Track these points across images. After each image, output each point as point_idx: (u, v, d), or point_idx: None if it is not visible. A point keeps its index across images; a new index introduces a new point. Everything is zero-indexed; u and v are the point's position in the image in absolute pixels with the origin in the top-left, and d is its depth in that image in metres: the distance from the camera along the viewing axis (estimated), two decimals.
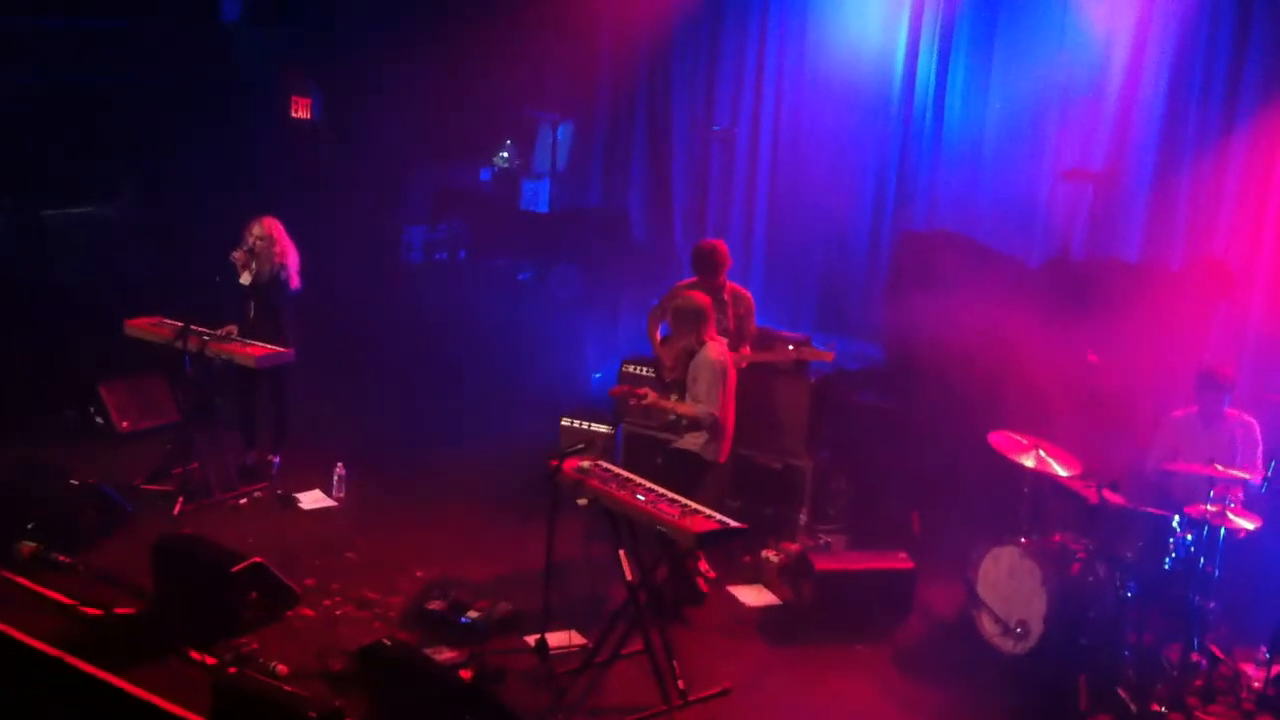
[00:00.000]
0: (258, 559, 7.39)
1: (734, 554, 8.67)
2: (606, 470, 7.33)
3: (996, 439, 8.03)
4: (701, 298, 8.02)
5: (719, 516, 6.78)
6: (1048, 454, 7.83)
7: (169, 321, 9.29)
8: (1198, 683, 7.33)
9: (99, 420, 10.30)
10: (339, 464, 9.38)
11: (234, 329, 9.26)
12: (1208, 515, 7.25)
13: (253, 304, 9.30)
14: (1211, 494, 7.30)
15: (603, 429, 9.40)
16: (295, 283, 9.32)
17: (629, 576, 7.17)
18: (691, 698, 6.93)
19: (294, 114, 13.60)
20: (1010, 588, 7.65)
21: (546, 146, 13.95)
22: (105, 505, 8.46)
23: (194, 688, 6.49)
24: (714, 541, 6.83)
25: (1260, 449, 7.97)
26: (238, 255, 9.23)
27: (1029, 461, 7.81)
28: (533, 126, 14.22)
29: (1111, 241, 10.33)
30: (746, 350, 8.87)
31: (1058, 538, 7.79)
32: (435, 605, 7.63)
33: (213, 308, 9.28)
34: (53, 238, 12.30)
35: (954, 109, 11.06)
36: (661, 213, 13.07)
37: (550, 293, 13.19)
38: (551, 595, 7.08)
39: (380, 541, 8.67)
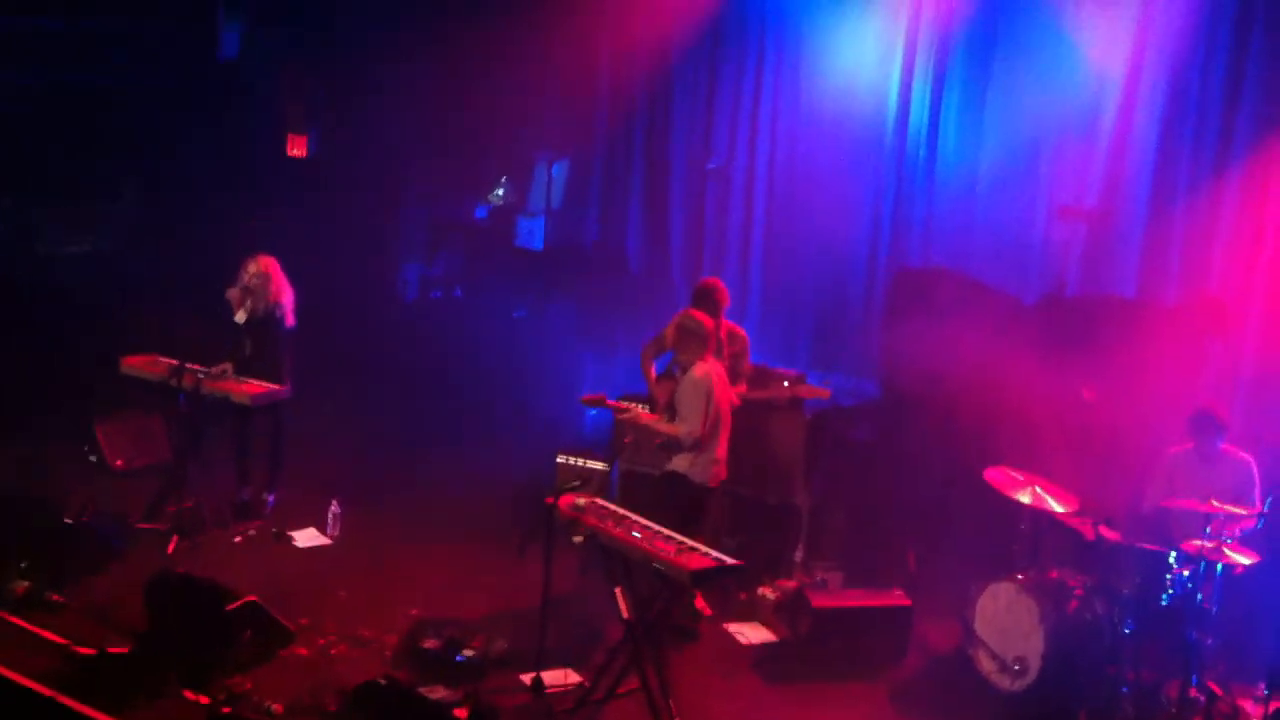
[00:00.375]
0: (252, 597, 7.37)
1: (730, 591, 8.65)
2: (603, 507, 7.32)
3: (993, 475, 8.03)
4: (708, 322, 8.01)
5: (715, 554, 6.76)
6: (1044, 490, 7.83)
7: (164, 359, 9.28)
8: (1196, 719, 7.29)
9: (93, 458, 10.27)
10: (334, 501, 9.35)
11: (229, 367, 9.25)
12: (1204, 551, 7.24)
13: (248, 341, 9.30)
14: (1208, 530, 7.30)
15: (598, 466, 9.39)
16: (290, 321, 9.33)
17: (625, 614, 7.15)
18: None
19: (290, 152, 13.65)
20: (1008, 624, 7.62)
21: (542, 183, 13.98)
22: (99, 543, 8.43)
23: None
24: (710, 579, 6.81)
25: (1257, 485, 7.97)
26: (233, 293, 9.24)
27: (1025, 498, 7.81)
28: (528, 163, 14.27)
29: (1106, 278, 10.34)
30: (742, 388, 8.87)
31: (1055, 574, 7.78)
32: (430, 643, 7.59)
33: (208, 341, 9.27)
34: (51, 243, 12.35)
35: (948, 145, 11.10)
36: (658, 249, 13.09)
37: (546, 330, 13.20)
38: (547, 633, 7.05)
39: (375, 579, 8.63)
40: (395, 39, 13.21)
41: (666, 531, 7.00)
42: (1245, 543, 7.54)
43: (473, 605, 8.28)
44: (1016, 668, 7.53)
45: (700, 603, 8.42)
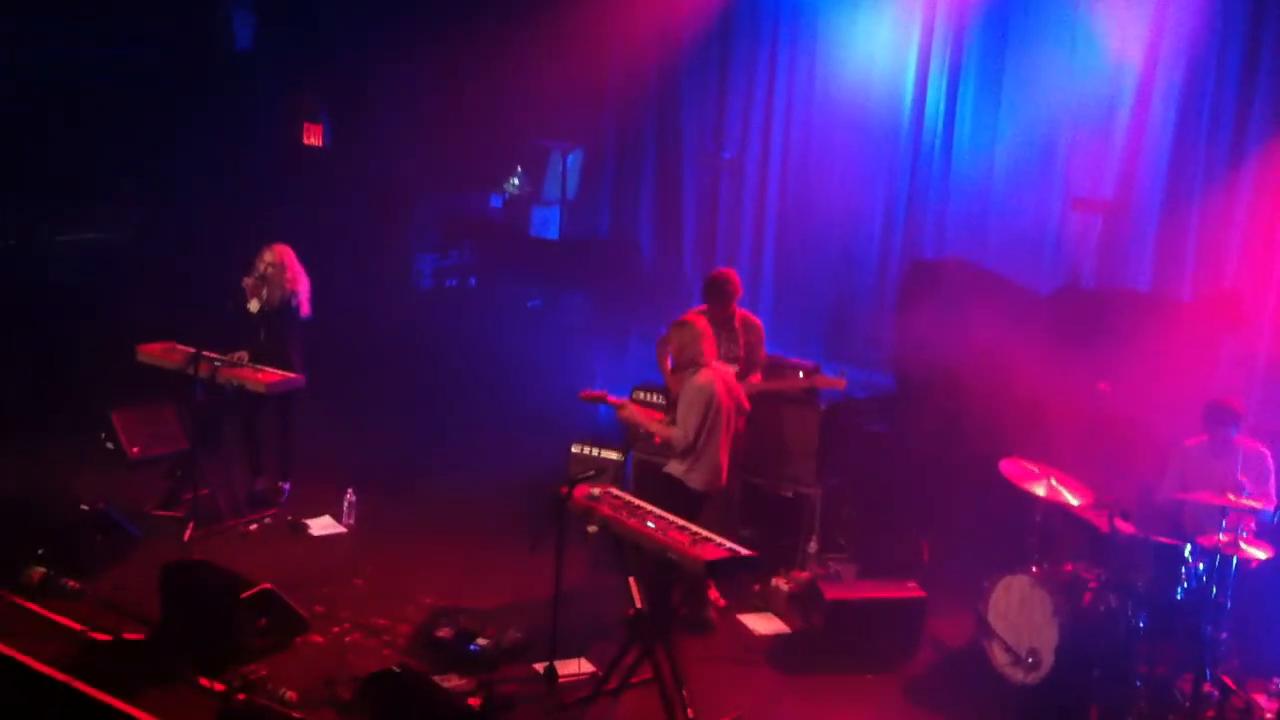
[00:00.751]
0: (267, 585, 7.39)
1: (744, 582, 8.64)
2: (616, 497, 7.32)
3: (1007, 467, 8.02)
4: (702, 322, 7.96)
5: (729, 544, 6.76)
6: (1059, 483, 7.81)
7: (180, 347, 9.31)
8: (1210, 714, 7.27)
9: (109, 446, 10.30)
10: (349, 490, 9.37)
11: (245, 355, 9.27)
12: (1220, 545, 7.22)
13: (263, 330, 9.32)
14: (1224, 523, 7.27)
15: (613, 456, 9.40)
16: (306, 310, 9.34)
17: (638, 604, 7.15)
18: None
19: (305, 141, 13.68)
20: (1021, 617, 7.61)
21: (557, 174, 14.00)
22: (114, 531, 8.46)
23: (202, 714, 6.51)
24: (724, 569, 6.80)
25: (1273, 478, 7.95)
26: (248, 282, 9.25)
27: (1040, 490, 7.79)
28: (543, 154, 14.28)
29: (1121, 271, 10.34)
30: (757, 378, 8.86)
31: (1069, 567, 7.76)
32: (444, 633, 7.60)
33: (222, 330, 9.30)
34: (66, 231, 12.38)
35: (963, 137, 11.09)
36: (671, 240, 13.10)
37: (560, 319, 13.21)
38: (560, 623, 7.06)
39: (389, 568, 8.65)
40: (403, 31, 13.23)
41: (681, 522, 7.00)
42: (1261, 536, 7.52)
43: (487, 595, 8.30)
44: (1030, 660, 7.52)
45: (714, 593, 8.43)
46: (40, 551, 7.99)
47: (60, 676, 6.74)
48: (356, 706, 6.70)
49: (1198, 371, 9.48)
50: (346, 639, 7.62)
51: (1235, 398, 8.32)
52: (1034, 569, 7.70)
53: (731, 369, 8.73)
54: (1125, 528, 7.63)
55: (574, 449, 9.60)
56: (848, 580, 8.77)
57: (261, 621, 7.29)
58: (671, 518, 7.06)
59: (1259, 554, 7.33)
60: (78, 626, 7.39)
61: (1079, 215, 10.53)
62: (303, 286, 9.36)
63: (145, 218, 13.08)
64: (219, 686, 6.82)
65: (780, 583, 8.69)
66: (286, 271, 9.28)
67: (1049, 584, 7.55)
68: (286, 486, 9.61)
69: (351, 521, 9.32)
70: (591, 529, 7.71)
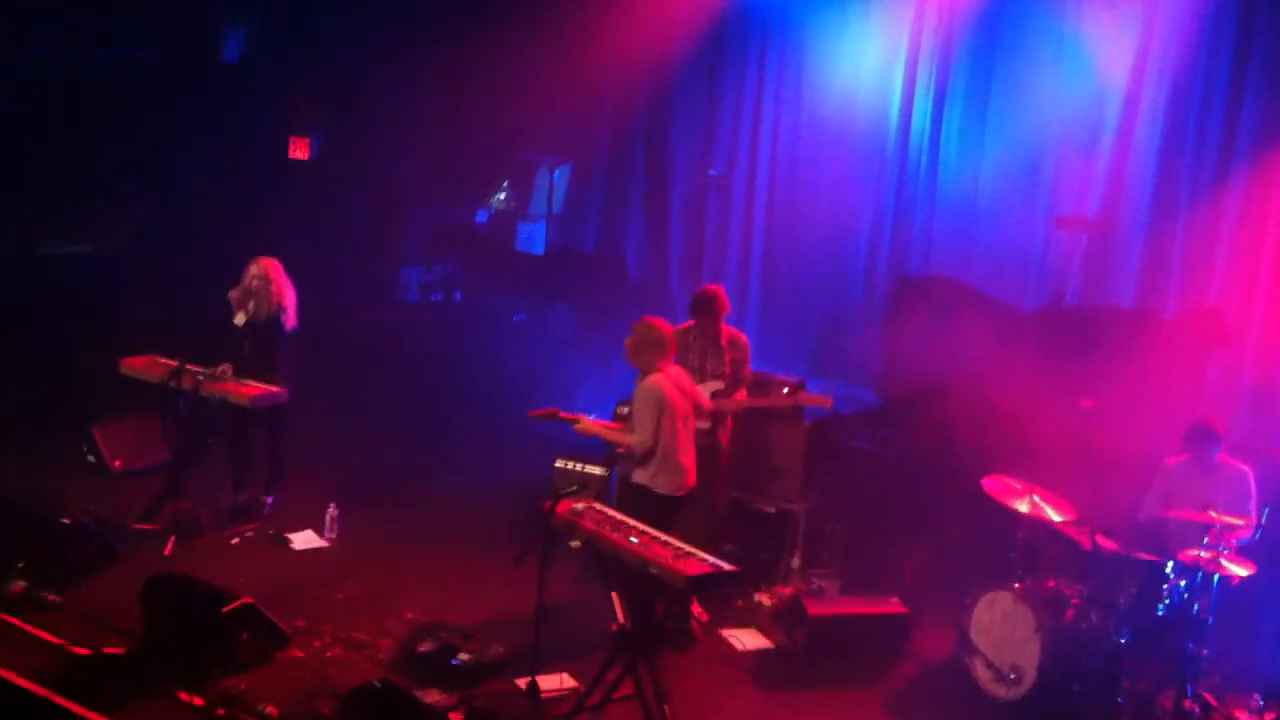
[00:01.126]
0: (248, 599, 7.36)
1: (727, 597, 8.64)
2: (600, 512, 7.31)
3: (990, 484, 8.03)
4: (666, 327, 7.85)
5: (712, 559, 6.76)
6: (1042, 499, 7.83)
7: (163, 361, 9.28)
8: None
9: (91, 459, 10.27)
10: (331, 504, 9.35)
11: (228, 368, 9.25)
12: (1202, 561, 7.24)
13: (247, 343, 9.30)
14: (1206, 540, 7.30)
15: (597, 471, 9.39)
16: (292, 322, 9.32)
17: (621, 619, 7.14)
18: None
19: (292, 154, 13.67)
20: (1004, 633, 7.62)
21: (543, 189, 14.01)
22: (96, 544, 8.42)
23: None
24: (707, 584, 6.80)
25: (1254, 496, 7.97)
26: (234, 295, 9.24)
27: (1023, 507, 7.81)
28: (530, 169, 14.30)
29: (1106, 288, 10.37)
30: (743, 395, 8.87)
31: (1051, 583, 7.77)
32: (426, 647, 7.58)
33: (207, 343, 9.28)
34: (50, 244, 12.35)
35: (949, 155, 11.14)
36: (658, 256, 13.12)
37: (545, 334, 13.22)
38: (543, 637, 7.04)
39: (372, 583, 8.63)
40: (397, 44, 13.25)
41: (664, 537, 7.00)
42: (1242, 554, 7.54)
43: (469, 609, 8.28)
44: (1012, 676, 7.52)
45: (697, 608, 8.42)
46: (21, 564, 7.95)
47: (40, 691, 6.68)
48: None
49: (1182, 389, 9.51)
50: (328, 653, 7.59)
51: (1217, 418, 8.34)
52: (1016, 585, 7.71)
53: (716, 384, 8.75)
54: (1108, 544, 7.65)
55: (558, 464, 9.60)
56: (831, 596, 8.77)
57: (243, 636, 7.26)
58: (655, 533, 7.05)
59: (1240, 571, 7.35)
60: (58, 640, 7.35)
61: (1064, 232, 10.56)
62: (289, 299, 9.34)
63: (135, 225, 13.06)
64: (199, 701, 6.80)
65: (764, 598, 8.70)
66: (273, 284, 9.26)
67: (1031, 600, 7.56)
68: (269, 500, 9.59)
69: (334, 535, 9.30)
70: (575, 544, 7.69)
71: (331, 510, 9.32)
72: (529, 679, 7.14)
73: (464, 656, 7.46)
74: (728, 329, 8.92)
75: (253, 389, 9.08)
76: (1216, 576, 7.28)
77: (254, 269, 9.26)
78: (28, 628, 7.49)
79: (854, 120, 11.59)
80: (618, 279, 13.24)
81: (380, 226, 13.83)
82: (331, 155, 13.86)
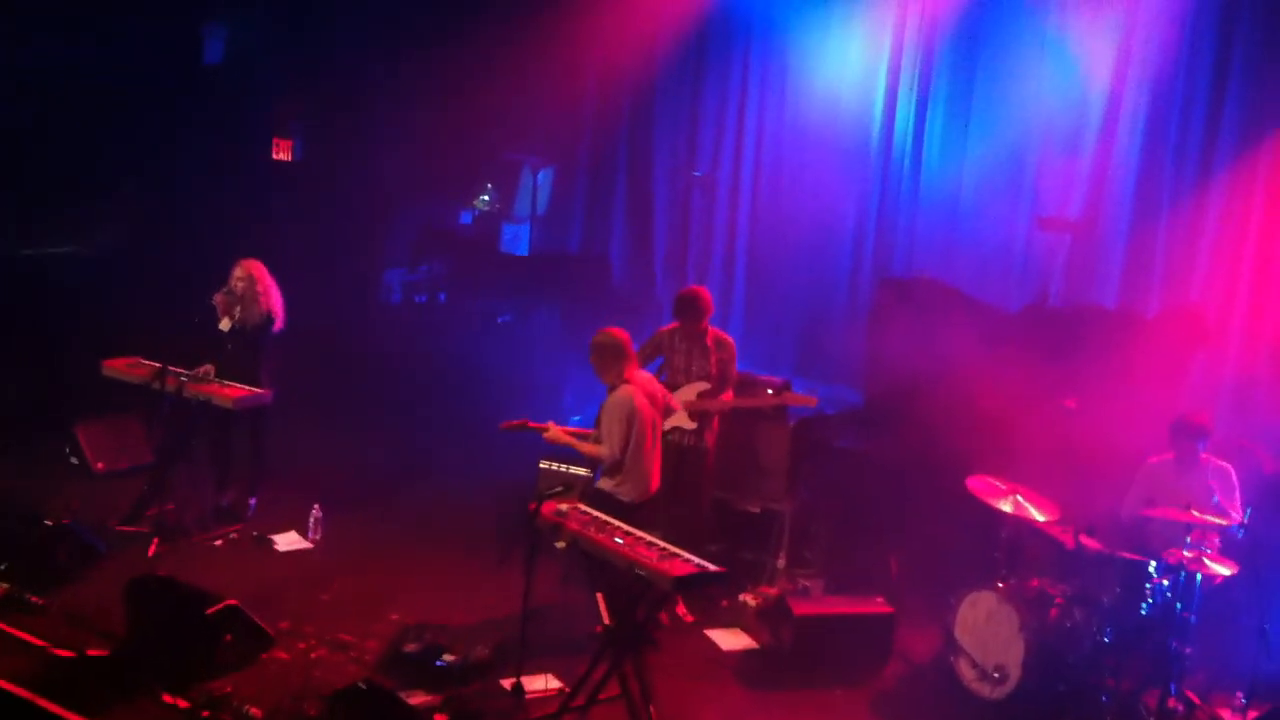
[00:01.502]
0: (232, 601, 7.33)
1: (712, 597, 8.64)
2: (585, 513, 7.31)
3: (974, 484, 8.05)
4: (621, 334, 7.88)
5: (697, 560, 6.76)
6: (1025, 499, 7.85)
7: (147, 362, 9.25)
8: None
9: (74, 460, 10.23)
10: (315, 505, 9.33)
11: (211, 369, 9.23)
12: (1184, 561, 7.26)
13: (230, 344, 9.27)
14: (1188, 539, 7.32)
15: (581, 471, 9.37)
16: (279, 324, 9.30)
17: (606, 620, 7.14)
18: None
19: (275, 155, 13.64)
20: (988, 633, 7.63)
21: (528, 190, 14.00)
22: (79, 546, 8.38)
23: None
24: (692, 585, 6.79)
25: (1237, 495, 8.01)
26: (219, 298, 9.21)
27: (1007, 506, 7.83)
28: (514, 170, 14.28)
29: (1089, 288, 10.42)
30: (729, 396, 8.88)
31: (1035, 583, 7.79)
32: (411, 648, 7.56)
33: (191, 344, 9.25)
34: (34, 245, 12.29)
35: (932, 156, 11.17)
36: (642, 257, 13.13)
37: (530, 335, 13.20)
38: (528, 638, 7.04)
39: (356, 584, 8.61)
40: (381, 46, 13.24)
41: (649, 537, 7.00)
42: (1225, 552, 7.57)
43: (454, 610, 8.26)
44: (997, 676, 7.54)
45: (682, 609, 8.43)
46: (3, 566, 7.92)
47: (22, 693, 6.66)
48: None
49: (1164, 388, 9.55)
50: (312, 655, 7.57)
51: (1204, 412, 8.37)
52: (1000, 584, 7.73)
53: (702, 385, 8.76)
54: (1091, 544, 7.67)
55: (542, 465, 9.58)
56: (816, 596, 8.78)
57: (227, 638, 7.24)
58: (639, 533, 7.05)
59: (1223, 570, 7.38)
60: (40, 642, 7.31)
61: (1047, 233, 10.60)
62: (275, 301, 9.32)
63: (118, 227, 13.01)
64: (183, 704, 6.77)
65: (749, 598, 8.71)
66: (258, 285, 9.24)
67: (1015, 599, 7.58)
68: (253, 501, 9.56)
69: (318, 537, 9.27)
70: (560, 544, 7.68)
71: (315, 511, 9.30)
72: (514, 680, 7.13)
73: (449, 658, 7.45)
74: (713, 330, 8.92)
75: (236, 391, 9.05)
76: (1199, 575, 7.31)
77: (238, 271, 9.23)
78: (10, 630, 7.45)
79: (837, 121, 11.62)
80: (602, 280, 13.23)
81: (364, 227, 13.80)
82: (315, 156, 13.83)
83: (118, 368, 9.37)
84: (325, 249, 13.01)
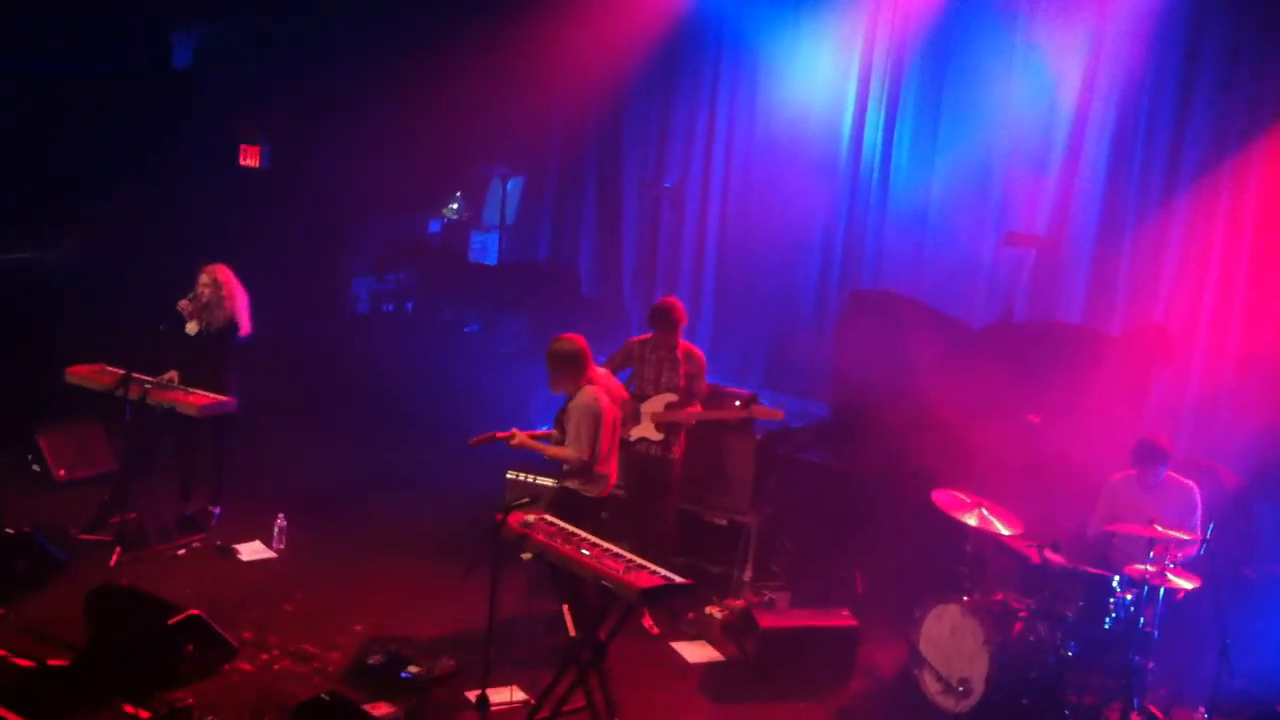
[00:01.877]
0: (195, 611, 7.27)
1: (678, 610, 8.64)
2: (551, 524, 7.29)
3: (940, 497, 8.08)
4: (578, 340, 7.82)
5: (663, 572, 6.75)
6: (990, 513, 7.89)
7: (110, 369, 9.18)
8: None
9: (36, 468, 10.14)
10: (280, 515, 9.28)
11: (175, 376, 9.16)
12: (1147, 575, 7.32)
13: (195, 351, 9.21)
14: (1151, 554, 7.38)
15: (548, 482, 9.34)
16: (246, 329, 9.24)
17: (572, 632, 7.12)
18: None
19: (242, 161, 13.58)
20: (953, 646, 7.66)
21: (496, 200, 13.99)
22: (39, 555, 8.30)
23: None
24: (658, 597, 6.79)
25: (1199, 511, 8.06)
26: (185, 304, 9.15)
27: (972, 520, 7.86)
28: (483, 179, 14.27)
29: (1054, 305, 10.47)
30: (697, 408, 8.88)
31: (1000, 597, 7.83)
32: (375, 660, 7.53)
33: (154, 350, 9.18)
34: None
35: (900, 170, 11.21)
36: (611, 268, 13.12)
37: (498, 345, 13.18)
38: (493, 650, 7.01)
39: (320, 594, 8.56)
40: (352, 54, 13.19)
41: (615, 549, 6.99)
42: (1187, 568, 7.63)
43: (419, 622, 8.23)
44: (961, 689, 7.56)
45: (648, 621, 8.42)
46: None
47: None
48: None
49: (1128, 405, 9.61)
50: (275, 666, 7.53)
51: (1163, 435, 8.44)
52: (965, 598, 7.76)
53: (670, 396, 8.76)
54: (1055, 558, 7.72)
55: (509, 475, 9.56)
56: (781, 608, 8.80)
57: (189, 648, 7.18)
58: (606, 545, 7.04)
59: (1185, 584, 7.44)
60: (0, 652, 7.23)
61: (1013, 249, 10.65)
62: (241, 305, 9.27)
63: (81, 232, 12.92)
64: (145, 714, 6.71)
65: (714, 610, 8.71)
66: (224, 289, 9.19)
67: (980, 613, 7.61)
68: (216, 510, 9.50)
69: (282, 546, 9.22)
70: (526, 556, 7.66)
71: (280, 521, 9.25)
72: (479, 692, 7.09)
73: (413, 669, 7.42)
74: (683, 343, 8.94)
75: (200, 398, 8.99)
76: (1162, 590, 7.37)
77: (204, 277, 9.18)
78: None
79: (806, 134, 11.64)
80: (570, 290, 13.23)
81: (332, 236, 13.75)
82: (283, 163, 13.77)
83: (81, 374, 9.30)
84: (292, 256, 12.94)
